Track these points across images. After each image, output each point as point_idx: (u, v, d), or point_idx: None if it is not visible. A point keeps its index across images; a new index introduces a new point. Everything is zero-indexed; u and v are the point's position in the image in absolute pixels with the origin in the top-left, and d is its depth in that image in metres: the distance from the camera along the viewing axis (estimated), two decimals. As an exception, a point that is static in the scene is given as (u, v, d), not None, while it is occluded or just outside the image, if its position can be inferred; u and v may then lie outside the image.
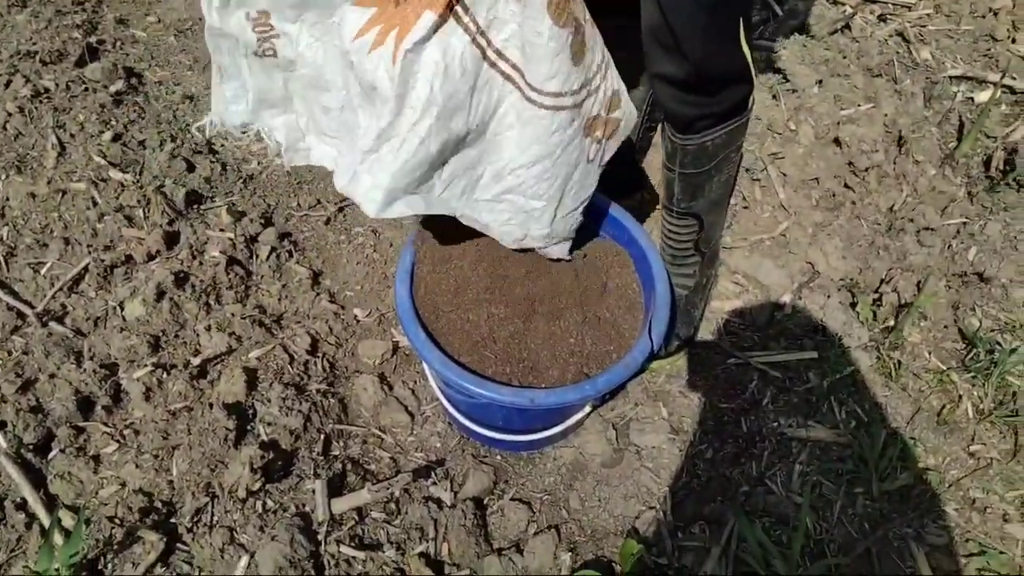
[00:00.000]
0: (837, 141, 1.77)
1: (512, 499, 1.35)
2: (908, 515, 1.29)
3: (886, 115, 1.81)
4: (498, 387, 1.10)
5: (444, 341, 1.17)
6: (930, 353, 1.45)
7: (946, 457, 1.35)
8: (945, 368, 1.43)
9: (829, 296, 1.54)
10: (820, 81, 1.90)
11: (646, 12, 1.03)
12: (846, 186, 1.72)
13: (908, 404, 1.40)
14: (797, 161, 1.76)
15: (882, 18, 2.10)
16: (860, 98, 1.86)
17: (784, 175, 1.75)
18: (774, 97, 1.90)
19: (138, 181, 1.70)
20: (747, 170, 1.78)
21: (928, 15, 2.10)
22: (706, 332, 1.55)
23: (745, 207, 1.72)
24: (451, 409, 1.33)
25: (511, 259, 1.20)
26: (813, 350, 1.48)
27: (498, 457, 1.41)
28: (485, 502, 1.35)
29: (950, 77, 1.95)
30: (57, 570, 1.14)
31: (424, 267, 1.22)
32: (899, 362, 1.44)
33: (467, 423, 1.32)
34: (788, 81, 1.92)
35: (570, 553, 1.28)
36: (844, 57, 1.96)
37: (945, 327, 1.50)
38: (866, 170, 1.74)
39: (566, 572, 1.25)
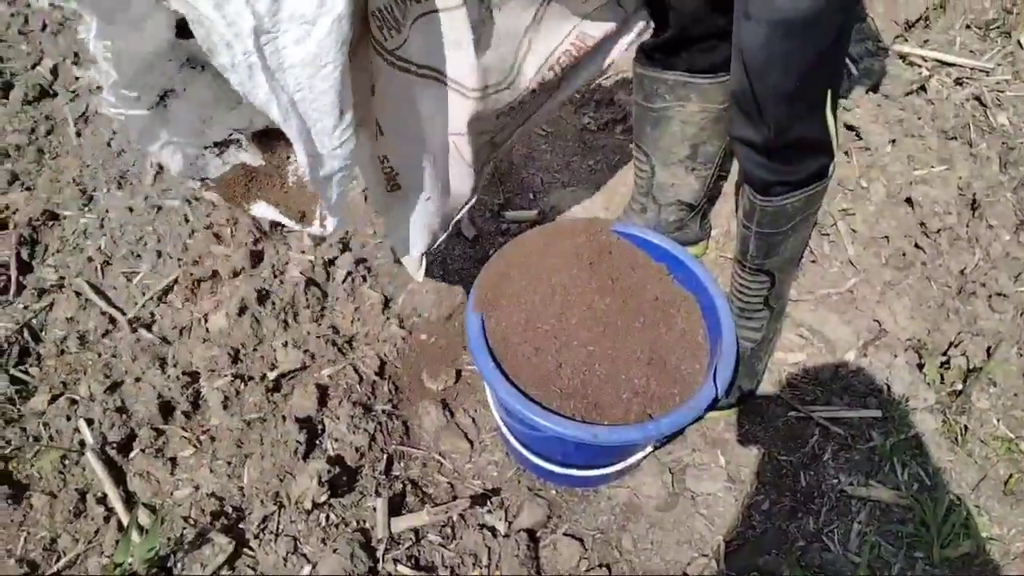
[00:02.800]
0: (909, 201, 1.77)
1: (565, 534, 1.36)
2: (970, 585, 1.26)
3: (960, 178, 1.80)
4: (563, 421, 1.12)
5: (512, 372, 1.20)
6: (999, 420, 1.42)
7: (1011, 528, 1.32)
8: (1014, 437, 1.40)
9: (896, 356, 1.53)
10: (893, 140, 1.90)
11: (733, 75, 1.06)
12: (917, 246, 1.72)
13: (974, 471, 1.38)
14: (868, 218, 1.77)
15: (959, 82, 2.10)
16: (934, 159, 1.86)
17: (854, 231, 1.76)
18: (846, 154, 1.91)
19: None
20: (816, 224, 1.79)
21: (1007, 81, 2.09)
22: (768, 384, 1.55)
23: (813, 261, 1.73)
24: (511, 439, 1.36)
25: (582, 297, 1.23)
26: (877, 408, 1.47)
27: (553, 492, 1.43)
28: (538, 535, 1.36)
29: (1028, 143, 1.93)
30: (131, 564, 1.20)
31: (497, 299, 1.26)
32: (966, 427, 1.41)
33: (526, 454, 1.34)
34: (861, 139, 1.93)
35: (621, 593, 1.29)
36: (919, 118, 1.97)
37: (1015, 395, 1.48)
38: (938, 231, 1.73)
39: (616, 611, 1.26)
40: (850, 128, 1.97)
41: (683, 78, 1.34)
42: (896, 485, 1.37)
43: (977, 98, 2.04)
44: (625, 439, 1.12)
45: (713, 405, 1.25)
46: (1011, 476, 1.36)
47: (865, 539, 1.31)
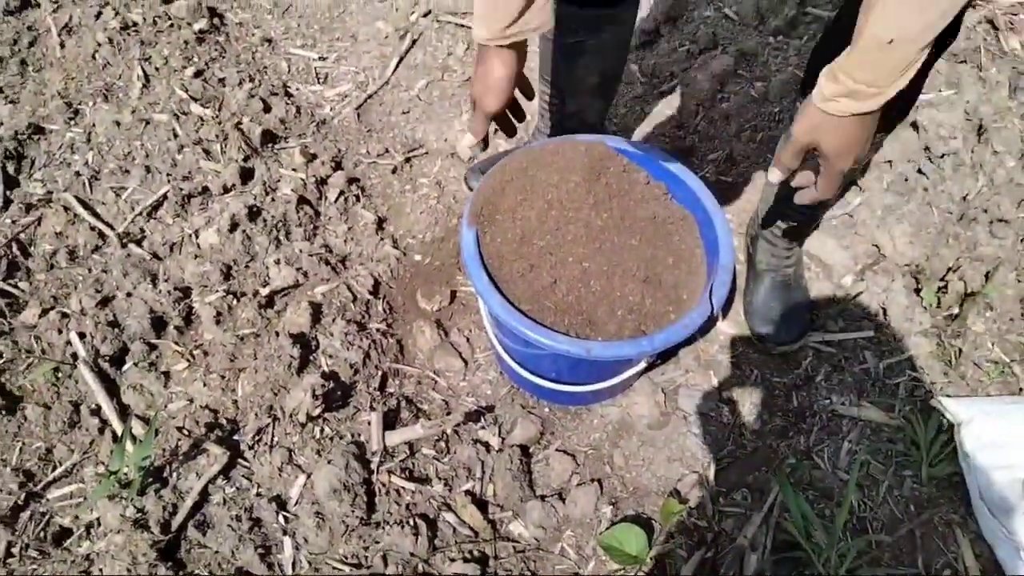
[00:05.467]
0: (915, 125, 1.73)
1: (557, 450, 1.37)
2: (956, 502, 1.28)
3: (968, 102, 1.76)
4: (556, 336, 1.12)
5: (505, 288, 1.19)
6: (993, 344, 1.42)
7: (1000, 449, 1.33)
8: (1008, 360, 1.40)
9: (893, 280, 1.52)
10: (902, 63, 1.85)
11: None
12: (919, 171, 1.69)
13: (966, 393, 1.38)
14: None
15: (971, 4, 2.03)
16: (941, 83, 1.81)
17: (856, 156, 1.72)
18: (852, 77, 1.86)
19: (217, 117, 1.76)
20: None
21: (1021, 4, 2.02)
22: (763, 306, 1.54)
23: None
24: (504, 357, 1.36)
25: (578, 213, 1.21)
26: (872, 332, 1.47)
27: (546, 410, 1.44)
28: (531, 450, 1.38)
29: (1039, 68, 1.88)
30: (127, 473, 1.21)
31: (492, 214, 1.24)
32: (960, 350, 1.42)
33: (520, 371, 1.34)
34: (868, 61, 1.88)
35: (611, 506, 1.31)
36: (929, 41, 1.91)
37: (1011, 320, 1.47)
38: (942, 156, 1.69)
39: (606, 523, 1.28)
40: (858, 50, 1.92)
41: (598, 12, 1.30)
42: (888, 406, 1.38)
43: (990, 21, 1.98)
44: (618, 354, 1.12)
45: (709, 324, 1.25)
46: (1002, 399, 1.37)
47: (855, 457, 1.32)
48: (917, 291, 1.52)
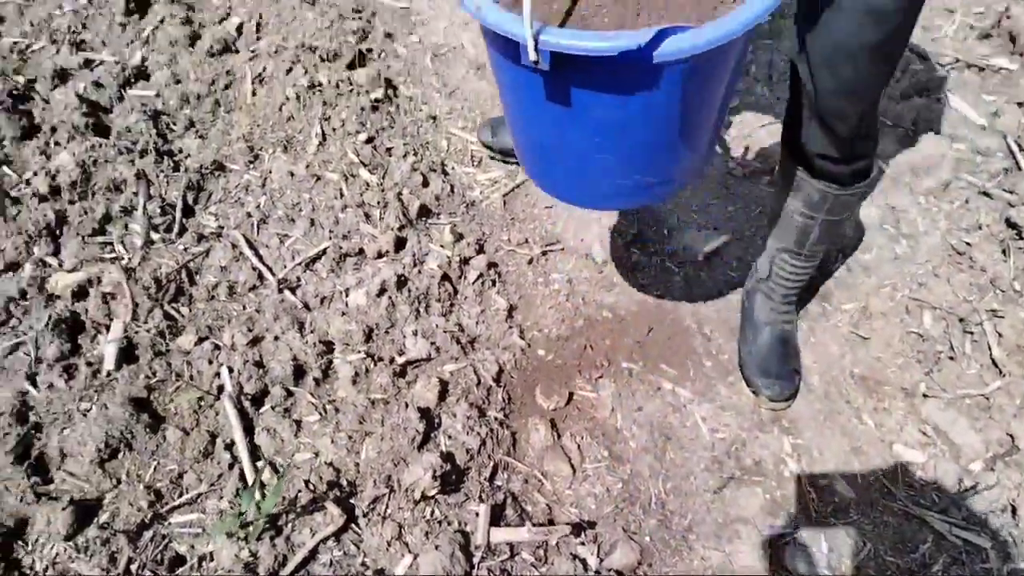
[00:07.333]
0: (1066, 317, 1.68)
1: (653, 581, 1.36)
2: None
3: None
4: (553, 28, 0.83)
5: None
6: None
7: None
8: None
9: (1027, 477, 1.46)
10: (1060, 250, 1.81)
11: (806, 86, 1.13)
12: (1067, 366, 1.63)
13: (1095, 618, 1.31)
14: (1017, 324, 1.69)
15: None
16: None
17: (1000, 335, 1.68)
18: (1003, 252, 1.83)
19: (381, 184, 1.87)
20: (960, 320, 1.73)
21: None
22: (882, 475, 1.51)
23: (951, 357, 1.67)
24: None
25: None
26: (998, 529, 1.41)
27: (647, 539, 1.43)
28: None
29: None
30: (248, 515, 1.26)
31: None
32: (1094, 570, 1.34)
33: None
34: (1022, 238, 1.85)
35: (700, 653, 1.28)
36: (1091, 231, 1.86)
37: None
38: (1093, 355, 1.64)
39: (694, 671, 1.25)
40: (1012, 225, 1.89)
41: None
42: (1006, 613, 1.31)
43: None
44: (615, 47, 0.80)
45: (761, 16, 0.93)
46: None
47: (965, 661, 1.26)
48: (1052, 494, 1.45)
